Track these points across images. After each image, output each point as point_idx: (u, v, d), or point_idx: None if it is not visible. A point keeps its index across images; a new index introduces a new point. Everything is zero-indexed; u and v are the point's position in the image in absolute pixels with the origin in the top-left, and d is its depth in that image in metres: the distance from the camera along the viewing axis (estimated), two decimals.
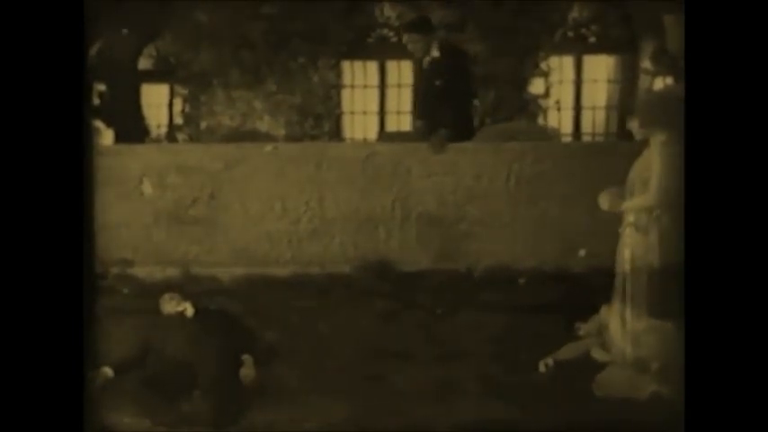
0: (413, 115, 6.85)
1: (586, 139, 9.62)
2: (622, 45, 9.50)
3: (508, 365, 4.91)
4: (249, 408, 4.54)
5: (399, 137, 7.22)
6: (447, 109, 6.33)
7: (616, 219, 6.17)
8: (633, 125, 4.88)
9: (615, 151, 6.82)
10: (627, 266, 4.76)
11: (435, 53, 6.41)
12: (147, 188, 6.31)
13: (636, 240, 4.75)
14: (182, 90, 9.90)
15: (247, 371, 4.73)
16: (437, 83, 6.38)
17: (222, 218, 6.29)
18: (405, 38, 6.53)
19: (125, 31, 8.67)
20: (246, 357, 4.78)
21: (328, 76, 9.66)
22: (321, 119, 9.64)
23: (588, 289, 5.57)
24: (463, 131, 6.45)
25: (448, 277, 6.00)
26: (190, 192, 6.30)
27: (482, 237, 6.15)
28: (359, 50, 9.45)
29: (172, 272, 6.11)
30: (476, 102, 9.12)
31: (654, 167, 4.65)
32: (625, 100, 9.47)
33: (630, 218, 4.81)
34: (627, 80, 9.54)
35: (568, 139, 9.46)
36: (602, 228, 6.19)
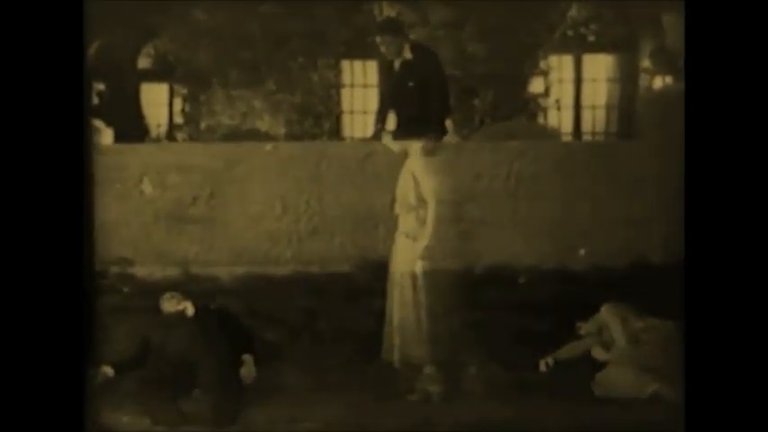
0: (378, 116, 6.79)
1: (586, 138, 9.61)
2: (622, 44, 9.48)
3: (508, 365, 4.91)
4: (249, 407, 4.54)
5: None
6: (424, 110, 6.32)
7: (617, 218, 6.21)
8: (387, 139, 5.14)
9: (615, 151, 6.85)
10: (398, 272, 5.09)
11: (407, 54, 6.39)
12: (147, 187, 6.30)
13: (406, 246, 5.04)
14: (181, 89, 9.88)
15: (247, 370, 4.73)
16: (410, 84, 6.37)
17: (222, 217, 6.28)
18: (377, 39, 6.51)
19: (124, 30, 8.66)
20: (246, 357, 4.78)
21: (328, 75, 9.65)
22: (321, 118, 9.62)
23: (588, 288, 5.57)
24: (440, 130, 6.46)
25: (448, 277, 5.98)
26: (190, 191, 6.28)
27: (482, 236, 6.14)
28: (358, 50, 9.43)
29: (172, 271, 6.10)
30: (476, 101, 9.14)
31: (420, 176, 4.82)
32: (625, 99, 9.46)
33: (402, 227, 5.08)
34: (626, 79, 9.53)
35: (568, 138, 9.44)
36: (602, 227, 6.23)
